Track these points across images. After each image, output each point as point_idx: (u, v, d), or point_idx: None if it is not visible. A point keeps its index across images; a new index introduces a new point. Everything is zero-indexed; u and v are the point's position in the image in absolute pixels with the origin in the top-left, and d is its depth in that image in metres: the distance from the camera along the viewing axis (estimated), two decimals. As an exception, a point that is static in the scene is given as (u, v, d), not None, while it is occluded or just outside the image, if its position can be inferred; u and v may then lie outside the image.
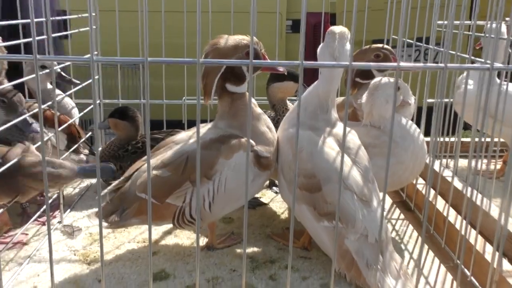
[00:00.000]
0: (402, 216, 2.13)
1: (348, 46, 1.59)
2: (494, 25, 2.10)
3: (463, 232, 1.63)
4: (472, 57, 1.66)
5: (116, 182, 1.74)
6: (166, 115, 2.68)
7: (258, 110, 1.75)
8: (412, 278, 1.53)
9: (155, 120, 2.74)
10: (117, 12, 2.57)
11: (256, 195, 2.28)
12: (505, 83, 2.35)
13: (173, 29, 2.63)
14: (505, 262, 1.54)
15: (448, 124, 2.28)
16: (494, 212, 1.83)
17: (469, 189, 1.70)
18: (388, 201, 2.28)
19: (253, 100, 1.74)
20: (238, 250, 1.80)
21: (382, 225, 1.47)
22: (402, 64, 1.23)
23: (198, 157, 1.20)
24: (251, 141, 1.64)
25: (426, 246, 1.84)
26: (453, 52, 1.73)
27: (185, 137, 1.73)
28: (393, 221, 2.08)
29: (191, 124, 1.80)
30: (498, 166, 2.53)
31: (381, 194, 1.61)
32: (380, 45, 2.13)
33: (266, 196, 2.29)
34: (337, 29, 1.61)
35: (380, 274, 1.48)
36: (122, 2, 2.60)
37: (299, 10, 4.66)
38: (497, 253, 1.44)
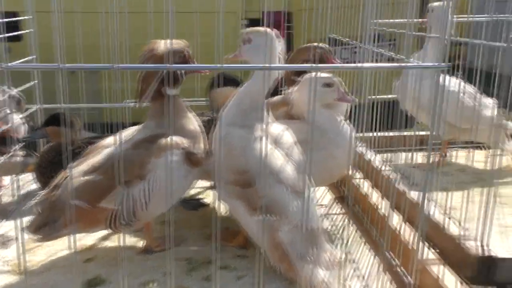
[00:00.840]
0: (342, 210, 2.19)
1: (277, 45, 1.64)
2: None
3: (390, 223, 1.69)
4: (394, 55, 1.72)
5: (44, 192, 1.72)
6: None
7: (187, 109, 1.81)
8: (344, 269, 1.58)
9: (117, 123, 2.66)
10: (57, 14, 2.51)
11: (199, 196, 2.29)
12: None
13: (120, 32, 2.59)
14: (431, 251, 1.61)
15: (381, 119, 2.36)
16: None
17: (397, 180, 1.77)
18: (329, 196, 2.33)
19: (182, 100, 1.80)
20: (182, 254, 1.80)
21: (307, 214, 1.53)
22: (319, 65, 1.27)
23: (120, 159, 1.19)
24: (181, 138, 1.70)
25: (362, 239, 1.90)
26: (372, 48, 1.78)
27: (114, 140, 1.73)
28: (333, 216, 2.13)
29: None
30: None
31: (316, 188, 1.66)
32: (316, 44, 2.18)
33: (210, 197, 2.30)
34: (259, 29, 1.65)
35: (312, 265, 1.51)
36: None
37: (256, 10, 4.70)
38: (420, 242, 1.50)
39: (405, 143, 2.49)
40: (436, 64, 1.28)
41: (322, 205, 2.23)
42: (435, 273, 1.47)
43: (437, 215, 1.75)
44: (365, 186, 2.12)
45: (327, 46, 2.18)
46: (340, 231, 1.99)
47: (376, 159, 2.37)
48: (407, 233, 1.69)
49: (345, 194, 2.29)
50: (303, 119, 1.97)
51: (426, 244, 1.65)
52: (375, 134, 2.52)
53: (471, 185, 2.33)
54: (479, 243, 1.52)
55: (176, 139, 1.69)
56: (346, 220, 2.09)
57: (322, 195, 2.35)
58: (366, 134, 2.45)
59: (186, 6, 2.81)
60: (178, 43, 1.73)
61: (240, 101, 1.73)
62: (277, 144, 1.71)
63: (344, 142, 1.92)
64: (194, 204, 2.19)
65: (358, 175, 2.27)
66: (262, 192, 1.58)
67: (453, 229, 1.66)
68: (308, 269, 1.50)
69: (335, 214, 2.16)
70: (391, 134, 2.63)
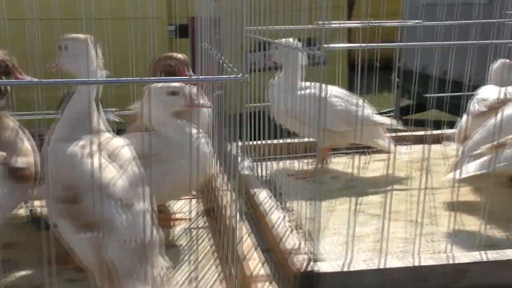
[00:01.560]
0: (205, 224, 2.11)
1: (93, 52, 1.56)
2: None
3: (236, 236, 1.62)
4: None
5: None
6: None
7: (10, 121, 1.70)
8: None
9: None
10: None
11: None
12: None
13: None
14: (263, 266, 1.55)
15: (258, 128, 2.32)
16: (274, 215, 1.85)
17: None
18: (198, 209, 2.26)
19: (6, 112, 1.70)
20: (9, 279, 1.66)
21: (137, 228, 1.44)
22: (110, 79, 1.20)
23: None
24: (1, 153, 1.60)
25: (214, 254, 1.83)
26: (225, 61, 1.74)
27: None
28: (195, 230, 2.05)
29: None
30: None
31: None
32: (173, 54, 2.12)
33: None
34: (75, 36, 1.56)
35: (139, 282, 1.42)
36: None
37: (183, 15, 4.60)
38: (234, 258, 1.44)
39: (286, 151, 2.46)
40: (232, 76, 1.25)
41: (185, 219, 2.15)
42: (258, 290, 1.41)
43: (281, 227, 1.71)
44: (227, 197, 2.05)
45: (185, 57, 2.11)
46: (194, 246, 1.91)
47: (247, 168, 2.32)
48: (247, 247, 1.63)
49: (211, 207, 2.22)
50: (153, 130, 1.90)
51: (263, 258, 1.60)
52: (255, 142, 2.49)
53: (338, 193, 2.33)
54: (307, 257, 1.48)
55: None
56: (205, 234, 2.02)
57: (191, 208, 2.27)
58: (245, 143, 2.40)
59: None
60: None
61: (67, 115, 1.64)
62: (112, 158, 1.62)
63: (194, 153, 1.85)
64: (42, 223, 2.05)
65: (225, 185, 2.20)
66: (89, 207, 1.49)
67: (290, 242, 1.61)
68: (135, 286, 1.41)
69: (197, 228, 2.08)
70: (275, 142, 2.59)
